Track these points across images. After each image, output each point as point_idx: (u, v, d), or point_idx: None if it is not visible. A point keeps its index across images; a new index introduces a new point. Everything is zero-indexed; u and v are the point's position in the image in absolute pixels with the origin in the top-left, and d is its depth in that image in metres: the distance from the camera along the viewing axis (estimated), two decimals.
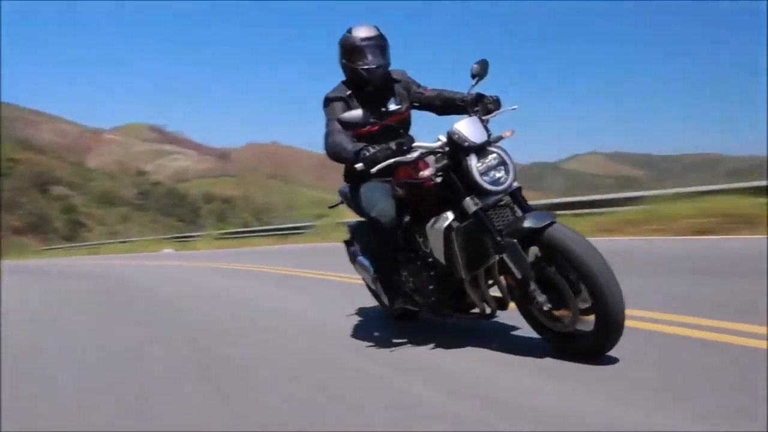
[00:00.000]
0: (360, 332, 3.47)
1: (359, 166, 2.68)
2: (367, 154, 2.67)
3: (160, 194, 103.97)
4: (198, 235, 29.53)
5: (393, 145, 2.76)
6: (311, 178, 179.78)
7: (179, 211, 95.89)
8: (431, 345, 2.92)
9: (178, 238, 32.24)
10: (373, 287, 3.53)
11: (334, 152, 2.91)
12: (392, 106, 3.16)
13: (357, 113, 2.72)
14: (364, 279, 3.60)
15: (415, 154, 2.71)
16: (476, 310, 2.87)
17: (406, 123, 3.21)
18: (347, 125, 2.76)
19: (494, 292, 2.78)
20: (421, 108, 3.27)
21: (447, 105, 3.13)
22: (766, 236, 5.71)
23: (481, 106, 2.88)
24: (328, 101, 3.10)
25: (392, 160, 2.68)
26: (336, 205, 3.65)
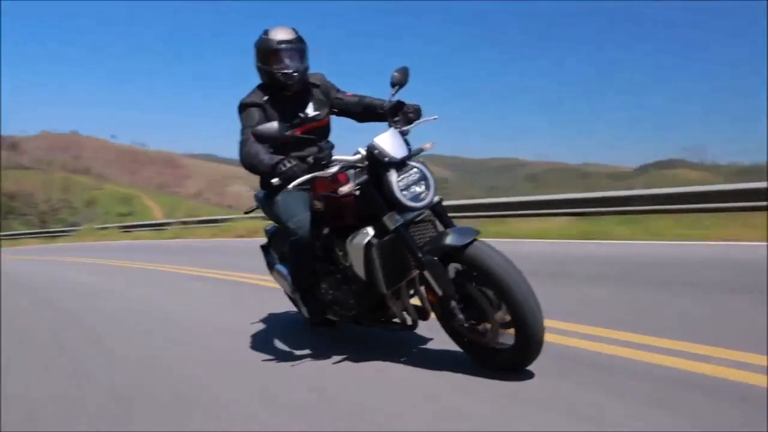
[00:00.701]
0: (268, 340, 3.42)
1: (275, 180, 2.61)
2: (284, 168, 2.59)
3: None
4: None
5: (311, 159, 2.68)
6: (117, 172, 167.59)
7: None
8: (338, 358, 2.90)
9: None
10: (292, 296, 3.43)
11: (249, 163, 2.79)
12: (311, 112, 3.07)
13: (272, 126, 2.60)
14: (283, 288, 3.47)
15: (333, 169, 2.64)
16: (398, 320, 2.83)
17: (325, 129, 3.14)
18: (262, 139, 2.63)
19: (416, 301, 2.78)
20: (340, 114, 3.18)
21: (367, 112, 3.07)
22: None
23: (401, 115, 2.81)
24: (243, 107, 2.96)
25: (310, 176, 2.62)
26: (252, 210, 3.55)
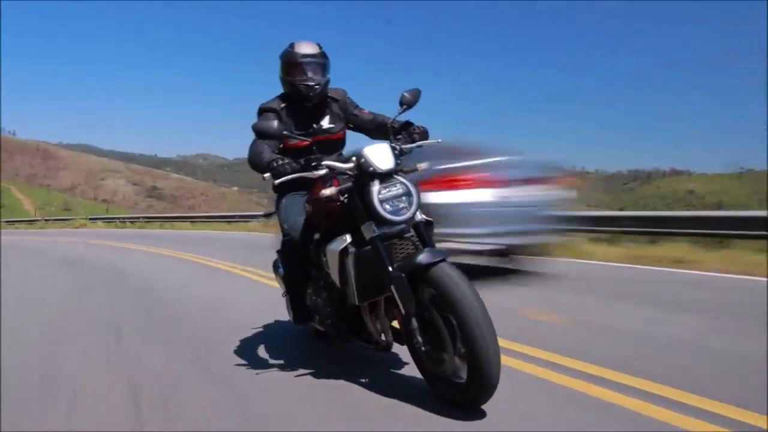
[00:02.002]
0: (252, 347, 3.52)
1: (267, 175, 2.71)
2: (275, 165, 2.69)
3: None
4: None
5: (302, 160, 2.77)
6: None
7: None
8: (303, 371, 2.95)
9: None
10: (284, 297, 3.48)
11: (252, 161, 2.89)
12: (325, 125, 3.20)
13: (270, 124, 2.77)
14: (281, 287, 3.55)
15: (321, 171, 2.72)
16: (374, 339, 2.82)
17: (339, 143, 3.29)
18: (259, 133, 2.80)
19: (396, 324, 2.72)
20: (355, 129, 3.32)
21: (379, 129, 3.16)
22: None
23: (405, 134, 2.93)
24: (261, 111, 3.13)
25: (297, 175, 2.71)
26: (270, 215, 3.57)
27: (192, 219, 27.85)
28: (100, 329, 4.27)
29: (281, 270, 3.42)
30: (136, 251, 12.00)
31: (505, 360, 2.45)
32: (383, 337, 2.78)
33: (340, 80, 3.27)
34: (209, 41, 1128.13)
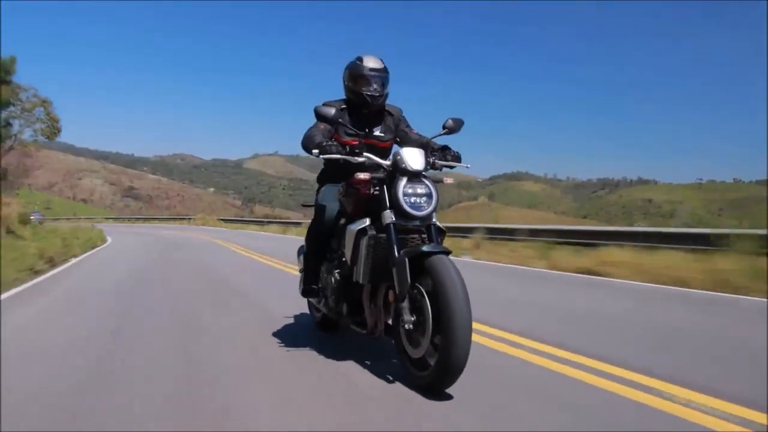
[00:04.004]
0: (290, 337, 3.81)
1: (315, 152, 3.10)
2: (324, 144, 3.09)
3: None
4: None
5: (347, 147, 3.18)
6: None
7: None
8: (315, 347, 3.36)
9: None
10: (299, 273, 3.87)
11: (304, 144, 3.28)
12: (377, 132, 3.55)
13: (329, 110, 3.15)
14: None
15: (360, 159, 3.11)
16: (368, 325, 3.14)
17: (386, 152, 3.56)
18: (318, 115, 3.17)
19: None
20: (400, 144, 3.63)
21: (420, 148, 3.26)
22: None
23: (441, 153, 3.32)
24: (323, 103, 3.40)
25: (340, 156, 3.09)
26: (310, 205, 3.78)
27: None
28: None
29: (304, 250, 3.80)
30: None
31: None
32: (377, 326, 3.13)
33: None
34: (190, 42, 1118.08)
